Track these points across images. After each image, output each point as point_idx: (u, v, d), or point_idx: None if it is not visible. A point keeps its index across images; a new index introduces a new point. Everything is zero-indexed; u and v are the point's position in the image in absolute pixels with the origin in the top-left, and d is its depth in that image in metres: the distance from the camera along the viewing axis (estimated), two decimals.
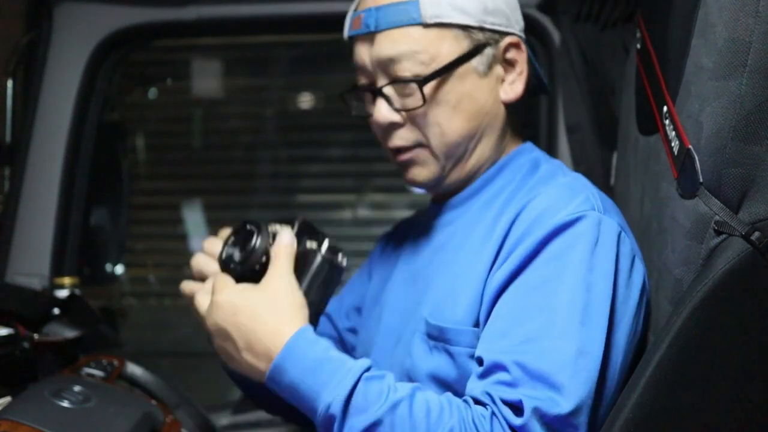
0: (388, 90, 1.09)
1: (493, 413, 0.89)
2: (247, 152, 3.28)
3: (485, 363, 0.93)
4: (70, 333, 1.47)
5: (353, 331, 1.36)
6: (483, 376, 0.93)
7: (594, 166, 1.69)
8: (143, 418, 1.16)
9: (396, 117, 1.10)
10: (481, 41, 1.08)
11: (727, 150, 0.84)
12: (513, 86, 1.13)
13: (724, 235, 0.85)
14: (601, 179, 1.64)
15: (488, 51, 1.09)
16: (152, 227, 3.37)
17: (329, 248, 1.11)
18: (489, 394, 0.91)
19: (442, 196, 1.19)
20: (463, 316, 1.03)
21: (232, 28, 1.97)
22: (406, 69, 1.06)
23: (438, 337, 1.05)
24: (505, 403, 0.89)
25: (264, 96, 3.24)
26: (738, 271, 0.83)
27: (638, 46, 1.15)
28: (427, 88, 1.07)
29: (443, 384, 1.04)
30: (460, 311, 1.04)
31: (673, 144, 0.94)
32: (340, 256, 1.12)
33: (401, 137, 1.11)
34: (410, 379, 1.07)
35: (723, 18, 0.83)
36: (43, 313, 1.54)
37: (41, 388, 1.13)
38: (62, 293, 1.75)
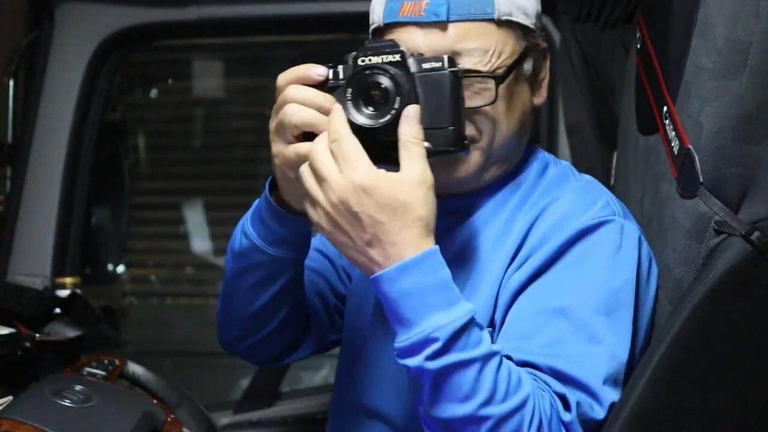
0: None
1: (551, 401, 0.89)
2: (247, 152, 3.29)
3: (515, 360, 0.92)
4: (71, 332, 1.48)
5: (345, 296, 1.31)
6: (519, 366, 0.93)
7: (594, 166, 1.69)
8: (144, 418, 1.16)
9: None
10: (531, 43, 1.07)
11: (727, 150, 0.84)
12: (542, 90, 1.12)
13: (724, 235, 0.85)
14: (601, 179, 1.63)
15: (533, 54, 1.08)
16: (153, 227, 3.37)
17: (449, 59, 0.95)
18: (541, 380, 0.90)
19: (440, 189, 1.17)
20: (480, 312, 1.00)
21: (232, 28, 1.97)
22: (473, 64, 1.02)
23: None
24: (554, 392, 0.89)
25: (264, 96, 3.24)
26: (738, 271, 0.83)
27: (638, 45, 1.15)
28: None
29: None
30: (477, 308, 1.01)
31: (673, 144, 0.94)
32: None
33: None
34: (413, 377, 1.07)
35: (723, 18, 0.83)
36: (44, 312, 1.54)
37: (42, 387, 1.13)
38: (63, 293, 1.75)
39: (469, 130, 1.02)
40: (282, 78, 0.97)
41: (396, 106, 0.91)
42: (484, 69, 1.02)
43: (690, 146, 0.89)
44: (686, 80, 0.92)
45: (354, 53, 0.94)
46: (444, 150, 0.94)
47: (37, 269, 1.82)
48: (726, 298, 0.84)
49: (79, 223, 1.89)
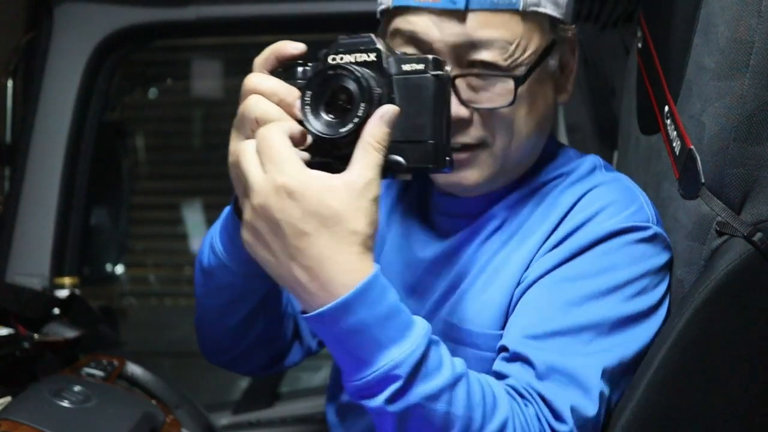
0: (465, 79, 0.94)
1: (537, 414, 0.83)
2: None
3: (510, 352, 0.87)
4: (70, 333, 1.47)
5: None
6: (510, 362, 0.88)
7: None
8: (143, 418, 1.15)
9: (464, 112, 0.93)
10: (559, 36, 0.97)
11: (729, 150, 0.84)
12: (568, 86, 1.02)
13: (726, 236, 0.85)
14: None
15: (560, 47, 0.98)
16: (152, 227, 3.37)
17: (434, 60, 0.82)
18: (528, 388, 0.84)
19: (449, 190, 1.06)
20: (490, 320, 0.96)
21: (232, 28, 1.97)
22: (492, 57, 0.92)
23: (456, 338, 0.97)
24: (544, 400, 0.83)
25: None
26: (740, 272, 0.83)
27: (639, 45, 1.15)
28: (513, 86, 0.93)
29: None
30: (487, 315, 0.96)
31: (674, 144, 0.94)
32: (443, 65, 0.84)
33: (466, 134, 0.95)
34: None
35: (725, 18, 0.83)
36: (43, 313, 1.53)
37: (41, 388, 1.13)
38: (62, 293, 1.75)
39: (482, 132, 0.94)
40: (258, 59, 0.86)
41: (359, 113, 0.77)
42: (504, 64, 0.92)
43: (692, 147, 0.89)
44: (688, 80, 0.91)
45: (326, 50, 0.82)
46: (419, 167, 0.81)
47: (35, 269, 1.81)
48: (728, 299, 0.84)
49: (77, 223, 1.89)
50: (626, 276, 0.90)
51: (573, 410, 0.83)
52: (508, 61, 0.92)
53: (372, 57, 0.80)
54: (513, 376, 0.86)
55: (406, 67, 0.80)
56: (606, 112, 1.69)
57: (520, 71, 0.93)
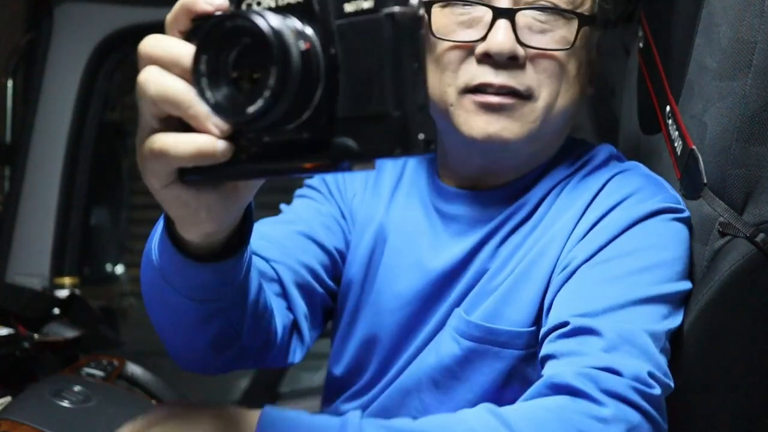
0: (524, 15, 0.88)
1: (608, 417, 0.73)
2: None
3: (572, 327, 0.80)
4: (70, 333, 1.47)
5: (336, 282, 1.08)
6: (570, 337, 0.80)
7: None
8: None
9: (520, 51, 0.87)
10: (603, 11, 0.93)
11: (731, 151, 0.83)
12: (592, 80, 0.98)
13: (728, 237, 0.84)
14: None
15: (598, 25, 0.93)
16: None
17: None
18: (590, 377, 0.74)
19: (474, 183, 0.99)
20: (521, 317, 0.91)
21: None
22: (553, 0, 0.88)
23: (483, 338, 0.92)
24: (617, 372, 0.74)
25: None
26: (743, 274, 0.83)
27: (640, 44, 1.15)
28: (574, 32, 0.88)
29: (480, 392, 0.92)
30: (518, 312, 0.91)
31: (676, 144, 0.94)
32: None
33: (515, 77, 0.88)
34: (433, 380, 0.95)
35: (727, 17, 0.83)
36: (43, 313, 1.53)
37: (41, 388, 1.12)
38: (62, 293, 1.74)
39: (531, 81, 0.88)
40: (168, 18, 0.62)
41: (270, 83, 0.53)
42: (566, 6, 0.88)
43: (693, 147, 0.88)
44: (689, 80, 0.91)
45: None
46: (380, 153, 0.54)
47: (35, 269, 1.81)
48: (731, 300, 0.84)
49: (77, 223, 1.89)
50: (673, 254, 0.86)
51: (651, 375, 0.77)
52: (570, 5, 0.89)
53: None
54: (575, 352, 0.78)
55: (349, 7, 0.54)
56: (606, 112, 1.69)
57: (584, 12, 0.89)
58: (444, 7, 0.91)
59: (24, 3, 1.86)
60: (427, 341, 0.98)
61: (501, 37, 0.86)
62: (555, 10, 0.88)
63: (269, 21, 0.53)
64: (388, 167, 1.10)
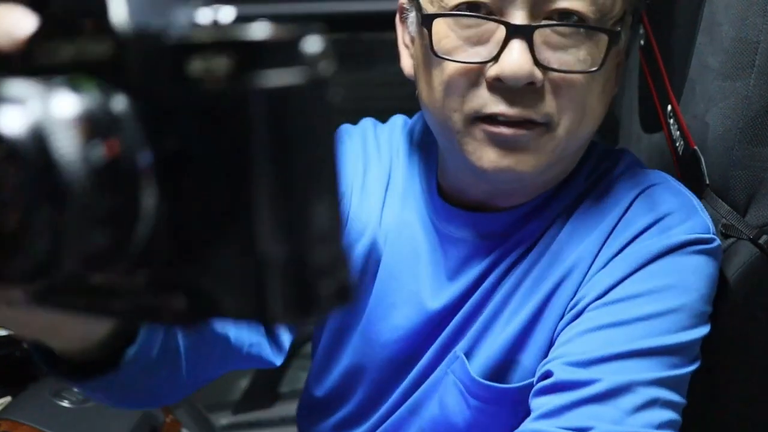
0: (541, 34, 0.73)
1: None
2: None
3: (554, 378, 0.72)
4: None
5: None
6: (549, 393, 0.72)
7: None
8: (143, 418, 1.15)
9: (538, 74, 0.72)
10: (634, 6, 0.78)
11: (734, 152, 0.82)
12: (618, 79, 0.83)
13: (731, 239, 0.84)
14: None
15: (630, 24, 0.79)
16: None
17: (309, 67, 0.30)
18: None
19: (479, 204, 0.85)
20: (532, 364, 0.79)
21: None
22: (581, 8, 0.72)
23: (494, 399, 0.81)
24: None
25: None
26: (747, 276, 0.82)
27: (641, 42, 1.15)
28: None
29: None
30: (533, 357, 0.80)
31: (677, 144, 0.93)
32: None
33: (532, 106, 0.74)
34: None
35: (729, 17, 0.82)
36: None
37: (41, 388, 1.12)
38: None
39: (550, 108, 0.74)
40: None
41: (37, 226, 0.30)
42: (593, 17, 0.72)
43: (695, 147, 0.88)
44: (691, 79, 0.91)
45: None
46: (246, 316, 0.32)
47: None
48: (736, 304, 0.83)
49: None
50: (694, 296, 0.76)
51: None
52: (598, 15, 0.73)
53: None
54: (553, 412, 0.71)
55: (195, 68, 0.31)
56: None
57: (616, 29, 0.74)
58: (447, 19, 0.76)
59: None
60: (423, 380, 0.88)
61: (516, 60, 0.71)
62: (581, 27, 0.73)
63: (19, 111, 0.29)
64: (373, 158, 0.93)
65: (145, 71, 0.32)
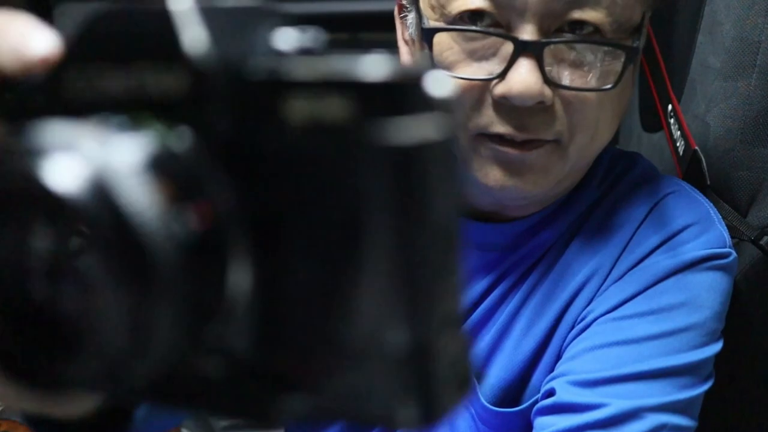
0: (552, 49, 0.67)
1: None
2: None
3: (556, 398, 0.69)
4: None
5: None
6: (551, 414, 0.69)
7: None
8: None
9: (548, 93, 0.67)
10: (650, 8, 0.71)
11: (735, 153, 0.82)
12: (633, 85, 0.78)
13: (733, 240, 0.84)
14: None
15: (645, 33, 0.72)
16: None
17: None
18: None
19: (485, 216, 0.80)
20: (541, 381, 0.75)
21: None
22: (598, 20, 0.66)
23: (506, 426, 0.78)
24: None
25: None
26: (749, 277, 0.82)
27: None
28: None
29: None
30: (539, 378, 0.76)
31: (678, 144, 0.93)
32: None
33: (542, 127, 0.69)
34: None
35: (731, 16, 0.82)
36: None
37: None
38: None
39: (560, 125, 0.69)
40: None
41: (113, 312, 0.23)
42: (609, 29, 0.67)
43: (696, 148, 0.88)
44: (692, 79, 0.90)
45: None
46: (361, 419, 0.26)
47: None
48: (738, 306, 0.83)
49: None
50: (707, 313, 0.73)
51: None
52: (615, 26, 0.67)
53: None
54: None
55: (298, 112, 0.24)
56: None
57: (633, 45, 0.68)
58: (450, 32, 0.70)
59: (24, 3, 1.85)
60: None
61: (524, 80, 0.66)
62: (595, 43, 0.67)
63: (81, 170, 0.22)
64: None
65: (231, 113, 0.24)
